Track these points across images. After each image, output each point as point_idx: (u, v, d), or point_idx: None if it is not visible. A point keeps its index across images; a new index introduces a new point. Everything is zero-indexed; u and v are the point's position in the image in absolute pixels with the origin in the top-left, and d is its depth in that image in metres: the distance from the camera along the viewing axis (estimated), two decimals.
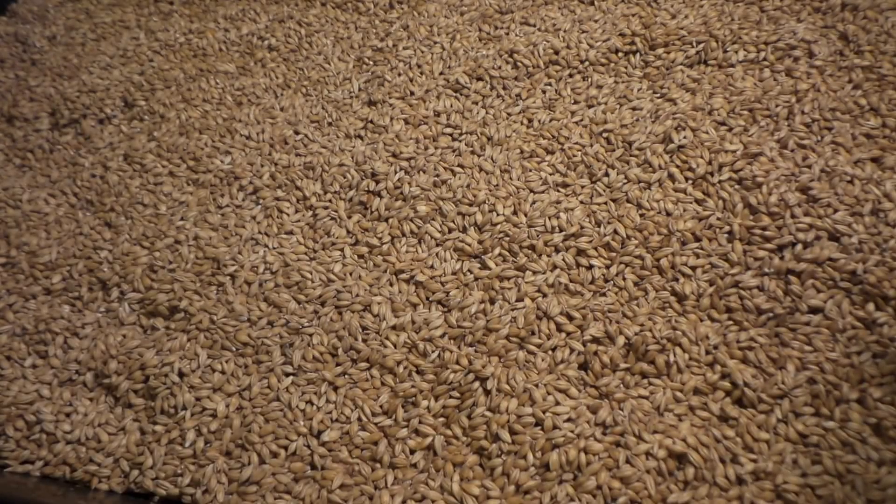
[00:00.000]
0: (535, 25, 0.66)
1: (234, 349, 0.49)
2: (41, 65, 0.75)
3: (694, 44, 0.58)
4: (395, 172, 0.55)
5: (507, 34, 0.66)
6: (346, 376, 0.47)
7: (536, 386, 0.43)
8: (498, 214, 0.52)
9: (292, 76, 0.69)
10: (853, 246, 0.45)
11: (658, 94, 0.57)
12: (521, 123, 0.58)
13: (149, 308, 0.52)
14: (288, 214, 0.56)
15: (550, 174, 0.54)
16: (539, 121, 0.57)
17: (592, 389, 0.44)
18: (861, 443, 0.39)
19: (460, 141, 0.58)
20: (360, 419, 0.45)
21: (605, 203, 0.51)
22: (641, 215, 0.50)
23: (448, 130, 0.59)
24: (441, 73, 0.64)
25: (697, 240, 0.48)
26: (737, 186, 0.49)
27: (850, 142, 0.50)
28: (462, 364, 0.45)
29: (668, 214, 0.50)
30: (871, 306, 0.43)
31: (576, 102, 0.58)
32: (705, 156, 0.51)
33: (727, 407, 0.42)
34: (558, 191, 0.53)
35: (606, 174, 0.53)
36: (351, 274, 0.51)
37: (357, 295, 0.50)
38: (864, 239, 0.45)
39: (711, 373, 0.43)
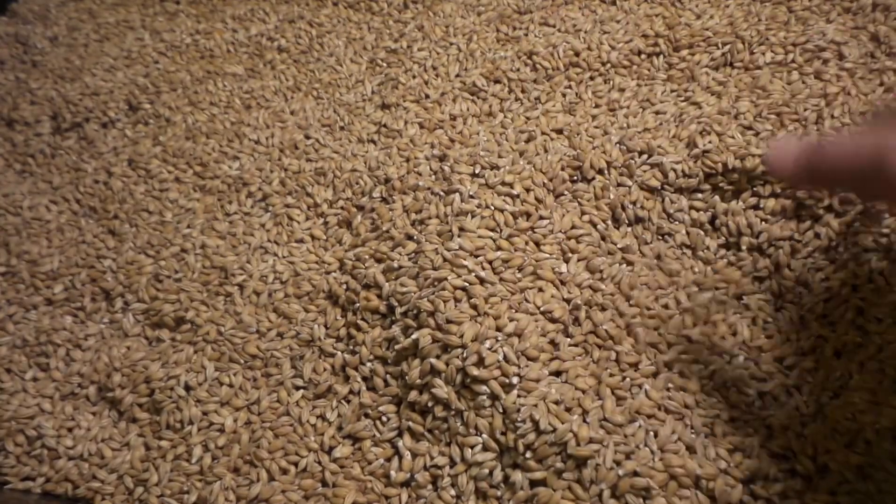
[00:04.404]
0: (554, 26, 0.65)
1: (242, 362, 0.48)
2: (42, 66, 0.75)
3: (719, 45, 0.57)
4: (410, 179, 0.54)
5: (526, 35, 0.65)
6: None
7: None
8: None
9: (303, 78, 0.68)
10: None
11: (682, 98, 0.55)
12: None
13: (154, 319, 0.52)
14: (298, 222, 0.55)
15: None
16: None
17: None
18: None
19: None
20: (372, 435, 0.44)
21: None
22: None
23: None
24: (457, 76, 0.63)
25: None
26: None
27: None
28: None
29: None
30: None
31: (597, 106, 0.57)
32: (731, 161, 0.50)
33: None
34: None
35: None
36: None
37: None
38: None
39: None
